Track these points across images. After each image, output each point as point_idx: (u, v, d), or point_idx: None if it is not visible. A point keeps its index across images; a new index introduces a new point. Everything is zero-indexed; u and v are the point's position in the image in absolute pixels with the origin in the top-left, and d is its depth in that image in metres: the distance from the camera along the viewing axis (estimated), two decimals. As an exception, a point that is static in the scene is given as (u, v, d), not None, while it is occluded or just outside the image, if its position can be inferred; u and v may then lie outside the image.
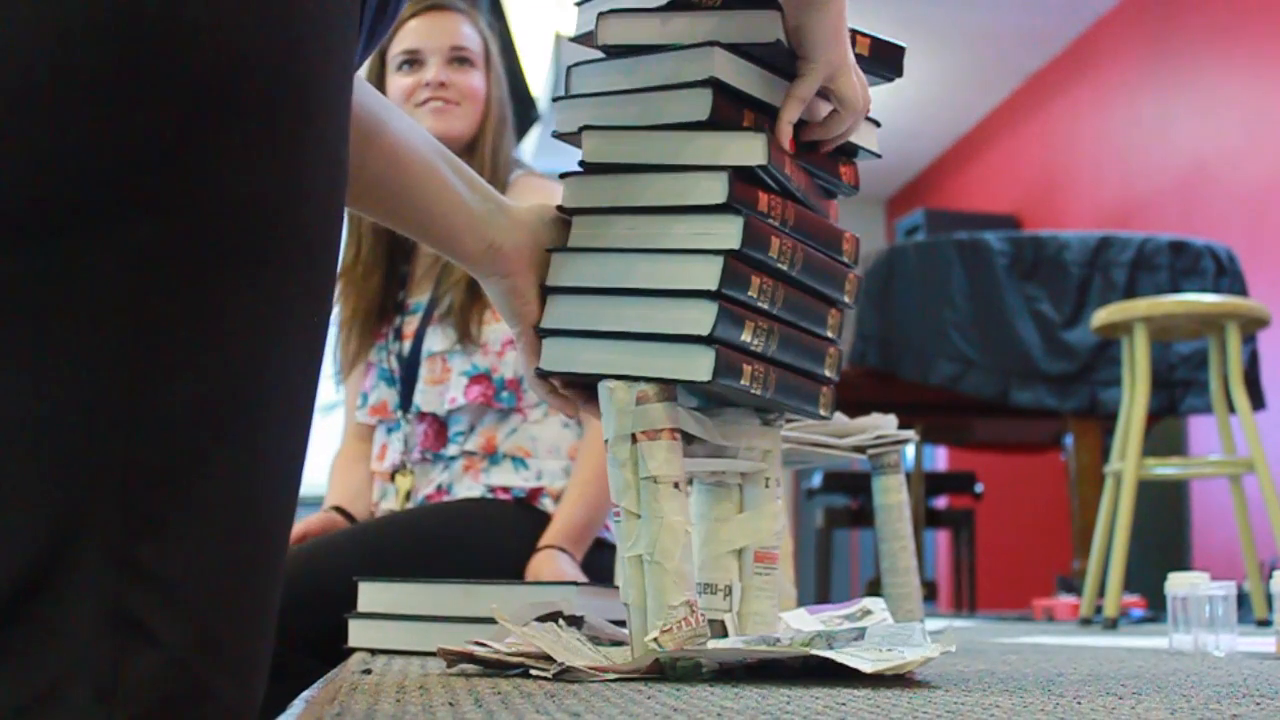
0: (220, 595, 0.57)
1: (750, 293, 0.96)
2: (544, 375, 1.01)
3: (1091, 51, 5.89)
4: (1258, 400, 3.59)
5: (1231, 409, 2.93)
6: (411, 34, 1.93)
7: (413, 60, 1.92)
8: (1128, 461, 2.81)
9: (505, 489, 1.82)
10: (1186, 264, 3.76)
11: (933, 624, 1.73)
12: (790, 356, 1.02)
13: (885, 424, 1.40)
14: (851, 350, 3.65)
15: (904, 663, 0.87)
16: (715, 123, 0.96)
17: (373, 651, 1.28)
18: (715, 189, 0.94)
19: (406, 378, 1.89)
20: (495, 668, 0.98)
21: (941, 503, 5.44)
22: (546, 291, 1.01)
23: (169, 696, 0.55)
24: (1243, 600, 2.83)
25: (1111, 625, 2.66)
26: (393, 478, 1.89)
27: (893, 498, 1.39)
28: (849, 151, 1.09)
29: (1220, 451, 2.99)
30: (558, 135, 1.03)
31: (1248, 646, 1.60)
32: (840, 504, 5.11)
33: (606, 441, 0.96)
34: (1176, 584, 1.58)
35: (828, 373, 1.07)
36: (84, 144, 0.54)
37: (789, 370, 1.02)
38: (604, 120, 1.00)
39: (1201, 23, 5.03)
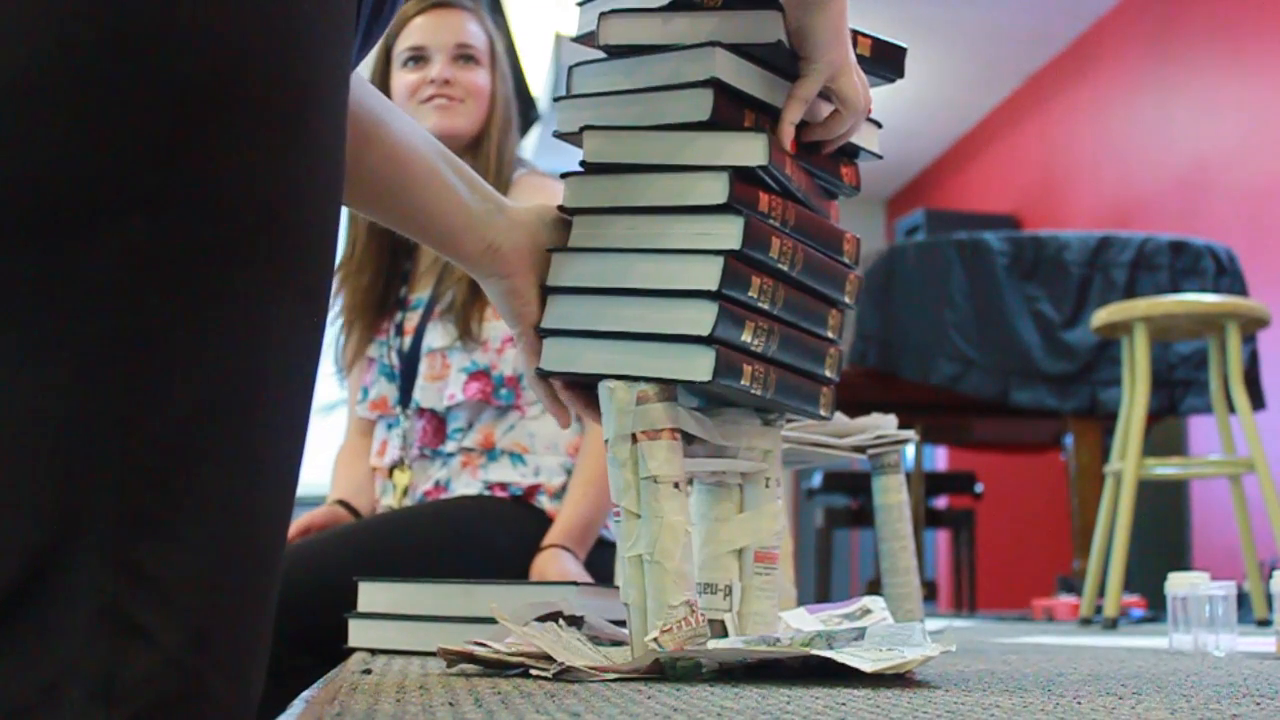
0: (217, 595, 0.57)
1: (750, 293, 0.96)
2: (544, 375, 1.01)
3: (1091, 51, 5.89)
4: (1258, 400, 3.59)
5: (1231, 409, 2.93)
6: (417, 31, 1.93)
7: (418, 57, 1.92)
8: (1128, 461, 2.81)
9: (503, 485, 1.82)
10: (1186, 264, 3.76)
11: (933, 624, 1.73)
12: (790, 357, 1.01)
13: (885, 424, 1.40)
14: (852, 350, 3.65)
15: (904, 662, 0.87)
16: (716, 123, 0.96)
17: (373, 651, 1.27)
18: (716, 189, 0.94)
19: (406, 373, 1.90)
20: (495, 668, 0.98)
21: (941, 503, 5.44)
22: (547, 291, 1.01)
23: (165, 696, 0.54)
24: (1243, 600, 2.82)
25: (1111, 625, 2.66)
26: (391, 474, 1.90)
27: (893, 498, 1.39)
28: (850, 152, 1.08)
29: (1220, 451, 2.99)
30: (559, 135, 1.03)
31: (1248, 646, 1.60)
32: (840, 504, 5.12)
33: (607, 441, 0.96)
34: (1176, 584, 1.58)
35: (828, 373, 1.07)
36: (80, 143, 0.54)
37: (789, 370, 1.02)
38: (605, 120, 1.00)
39: (1201, 23, 5.03)
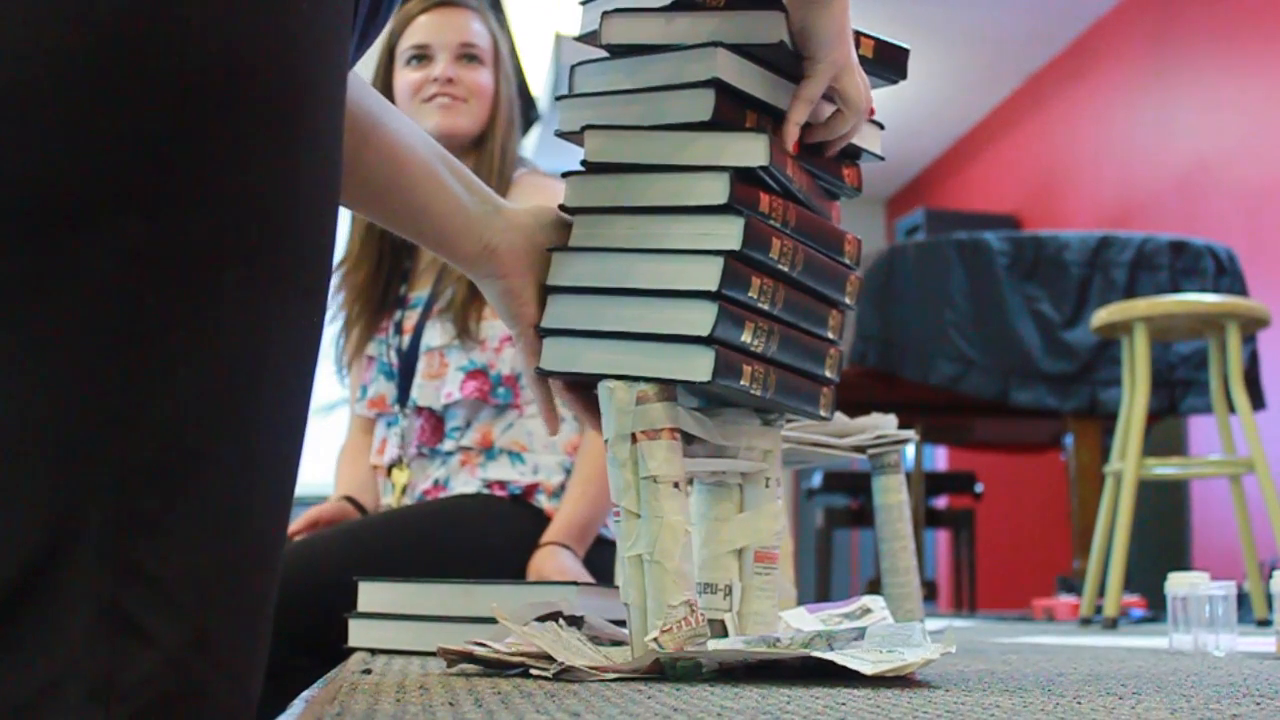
0: (215, 594, 0.57)
1: (750, 293, 0.96)
2: (544, 375, 1.01)
3: (1091, 51, 5.89)
4: (1258, 400, 3.59)
5: (1231, 409, 2.93)
6: (421, 29, 1.93)
7: (422, 55, 1.92)
8: (1128, 461, 2.81)
9: (501, 484, 1.82)
10: (1186, 264, 3.76)
11: (933, 624, 1.72)
12: (790, 357, 1.01)
13: (885, 424, 1.40)
14: (852, 350, 3.65)
15: (904, 664, 0.87)
16: (717, 123, 0.96)
17: (373, 651, 1.27)
18: (717, 190, 0.94)
19: (405, 372, 1.90)
20: (495, 668, 0.98)
21: (941, 503, 5.44)
22: (547, 291, 1.01)
23: (164, 696, 0.54)
24: (1243, 600, 2.82)
25: (1111, 625, 2.66)
26: (390, 472, 1.90)
27: (893, 498, 1.39)
28: (852, 153, 1.08)
29: (1220, 451, 2.99)
30: (560, 134, 1.03)
31: (1248, 646, 1.60)
32: (840, 504, 5.12)
33: (606, 441, 0.96)
34: (1176, 584, 1.58)
35: (828, 373, 1.07)
36: (78, 143, 0.54)
37: (789, 371, 1.02)
38: (606, 119, 0.99)
39: (1201, 23, 5.03)
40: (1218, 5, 4.94)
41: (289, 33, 0.59)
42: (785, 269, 0.98)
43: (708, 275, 0.93)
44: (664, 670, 0.91)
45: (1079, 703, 0.78)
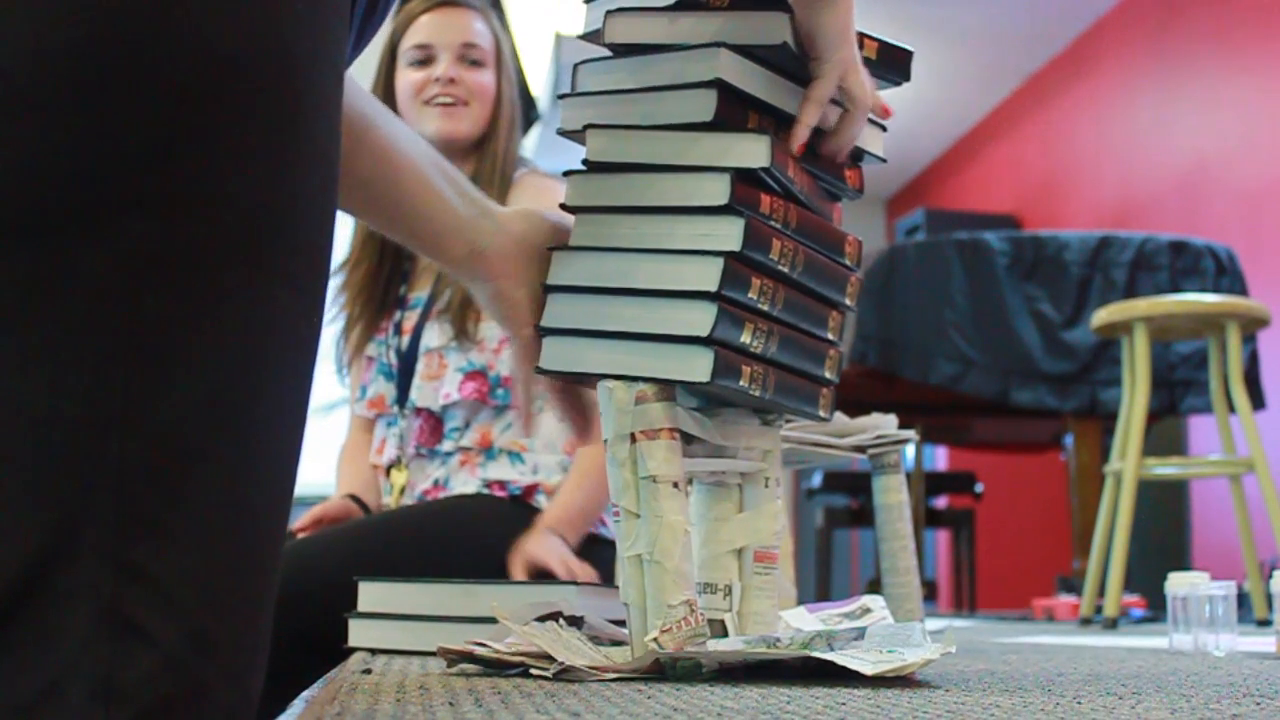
0: (216, 595, 0.57)
1: (750, 294, 0.95)
2: (543, 374, 1.01)
3: (1091, 51, 5.89)
4: (1258, 400, 3.59)
5: (1231, 409, 2.93)
6: (423, 29, 1.93)
7: (424, 55, 1.92)
8: (1128, 461, 2.81)
9: (501, 484, 1.82)
10: (1186, 264, 3.76)
11: (933, 624, 1.73)
12: (790, 358, 1.01)
13: (885, 424, 1.40)
14: (852, 350, 3.66)
15: (904, 664, 0.87)
16: (719, 124, 0.95)
17: (373, 651, 1.27)
18: (717, 190, 0.94)
19: (404, 373, 1.90)
20: (495, 667, 0.98)
21: (941, 503, 5.44)
22: (546, 290, 1.01)
23: (165, 697, 0.54)
24: (1243, 600, 2.82)
25: (1111, 625, 2.66)
26: (389, 473, 1.90)
27: (893, 497, 1.39)
28: (854, 155, 1.08)
29: (1220, 451, 2.99)
30: (562, 132, 1.03)
31: (1248, 646, 1.60)
32: (840, 504, 5.12)
33: (606, 441, 0.96)
34: (1176, 584, 1.58)
35: (828, 374, 1.06)
36: (74, 144, 0.54)
37: (788, 371, 1.02)
38: (608, 119, 0.99)
39: (1201, 23, 5.03)
40: (1218, 5, 4.94)
41: (286, 33, 0.59)
42: (785, 270, 0.98)
43: (708, 276, 0.93)
44: (664, 670, 0.91)
45: (1079, 703, 0.78)
